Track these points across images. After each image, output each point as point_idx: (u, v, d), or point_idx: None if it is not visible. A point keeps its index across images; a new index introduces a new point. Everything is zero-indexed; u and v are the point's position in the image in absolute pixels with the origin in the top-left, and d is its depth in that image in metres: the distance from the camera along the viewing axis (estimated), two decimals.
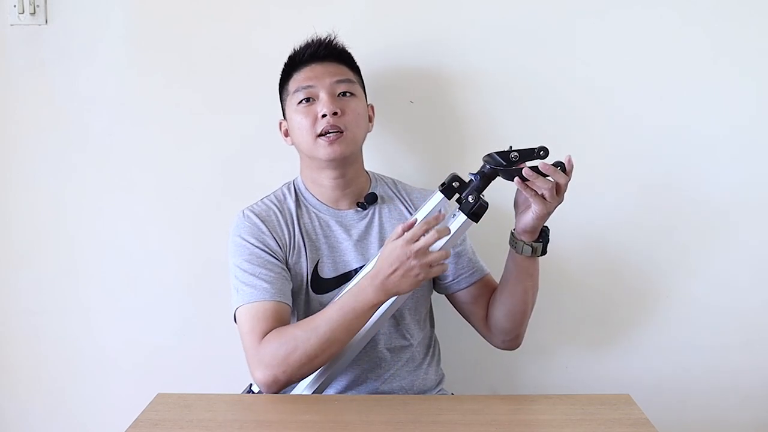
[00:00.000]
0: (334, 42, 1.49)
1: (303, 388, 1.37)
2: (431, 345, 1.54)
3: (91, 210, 1.72)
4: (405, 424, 1.17)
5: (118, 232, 1.73)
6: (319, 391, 1.37)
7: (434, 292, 1.56)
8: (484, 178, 1.30)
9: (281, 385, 1.32)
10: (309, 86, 1.44)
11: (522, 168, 1.25)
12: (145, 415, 1.19)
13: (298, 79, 1.46)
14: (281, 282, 1.39)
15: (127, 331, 1.75)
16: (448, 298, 1.55)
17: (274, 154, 1.60)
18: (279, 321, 1.35)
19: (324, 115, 1.41)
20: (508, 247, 1.38)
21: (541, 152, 1.27)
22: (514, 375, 1.75)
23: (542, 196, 1.26)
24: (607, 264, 1.72)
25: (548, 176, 1.25)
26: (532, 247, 1.34)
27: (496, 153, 1.29)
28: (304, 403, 1.30)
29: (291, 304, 1.40)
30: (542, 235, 1.35)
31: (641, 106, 1.68)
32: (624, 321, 1.74)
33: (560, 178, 1.25)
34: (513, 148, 1.28)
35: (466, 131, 1.70)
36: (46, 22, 1.68)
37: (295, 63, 1.48)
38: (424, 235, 1.25)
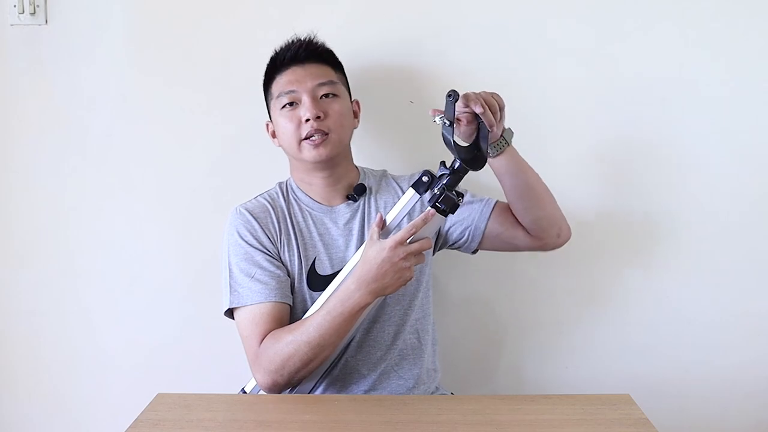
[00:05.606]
0: (314, 42, 1.48)
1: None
2: (427, 332, 1.51)
3: (90, 210, 1.72)
4: (405, 424, 1.17)
5: (117, 232, 1.73)
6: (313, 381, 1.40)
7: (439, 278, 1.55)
8: (454, 172, 1.29)
9: (281, 388, 1.34)
10: (291, 91, 1.44)
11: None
12: (145, 415, 1.19)
13: (280, 82, 1.46)
14: (278, 281, 1.40)
15: (127, 332, 1.75)
16: (489, 247, 1.52)
17: (275, 153, 1.59)
18: (277, 322, 1.36)
19: (307, 120, 1.41)
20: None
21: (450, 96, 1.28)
22: (514, 375, 1.75)
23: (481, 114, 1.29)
24: (608, 264, 1.72)
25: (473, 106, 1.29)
26: (504, 138, 1.37)
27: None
28: (304, 403, 1.30)
29: (290, 302, 1.41)
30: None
31: (642, 107, 1.68)
32: (624, 321, 1.74)
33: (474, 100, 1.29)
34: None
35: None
36: (46, 22, 1.68)
37: (276, 66, 1.48)
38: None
